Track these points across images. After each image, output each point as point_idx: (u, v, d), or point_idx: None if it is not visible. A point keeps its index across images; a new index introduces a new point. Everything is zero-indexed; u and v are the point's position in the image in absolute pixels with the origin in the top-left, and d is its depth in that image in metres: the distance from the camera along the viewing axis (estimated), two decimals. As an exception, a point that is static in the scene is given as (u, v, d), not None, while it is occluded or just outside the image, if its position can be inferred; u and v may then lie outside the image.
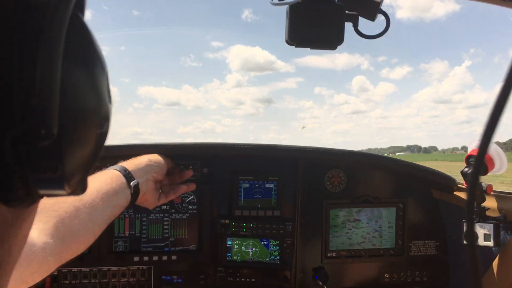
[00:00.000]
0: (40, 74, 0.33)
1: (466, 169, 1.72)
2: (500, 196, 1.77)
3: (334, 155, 1.99)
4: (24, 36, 0.33)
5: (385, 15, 1.12)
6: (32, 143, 0.34)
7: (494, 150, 1.68)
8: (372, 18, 1.12)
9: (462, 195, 1.93)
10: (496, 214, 1.72)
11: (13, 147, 0.34)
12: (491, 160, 1.67)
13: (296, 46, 1.11)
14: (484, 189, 1.73)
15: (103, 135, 0.41)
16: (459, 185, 1.96)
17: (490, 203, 1.75)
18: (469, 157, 1.73)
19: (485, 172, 1.69)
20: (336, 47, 1.12)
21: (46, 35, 0.34)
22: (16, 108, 0.33)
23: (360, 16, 1.13)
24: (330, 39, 1.11)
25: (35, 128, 0.33)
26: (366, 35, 1.13)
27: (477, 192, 1.73)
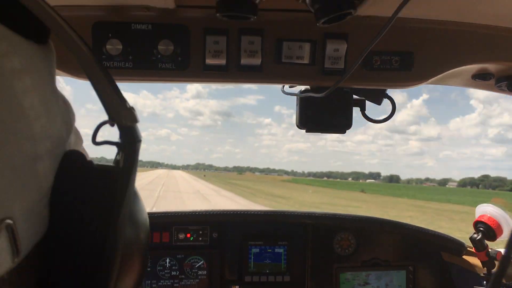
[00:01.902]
0: (109, 246, 0.38)
1: (475, 235, 1.73)
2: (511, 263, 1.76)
3: (342, 220, 2.00)
4: (102, 213, 0.39)
5: (391, 100, 1.18)
6: None
7: (501, 216, 1.69)
8: (378, 102, 1.18)
9: (471, 259, 1.93)
10: (509, 280, 1.71)
11: None
12: (499, 227, 1.68)
13: (306, 132, 1.16)
14: (494, 255, 1.73)
15: None
16: (468, 249, 1.95)
17: None
18: (477, 223, 1.74)
19: (493, 238, 1.70)
20: (346, 131, 1.17)
21: (119, 214, 0.39)
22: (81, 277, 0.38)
23: (367, 100, 1.19)
24: (339, 124, 1.16)
25: None
26: (374, 120, 1.19)
27: (486, 258, 1.73)
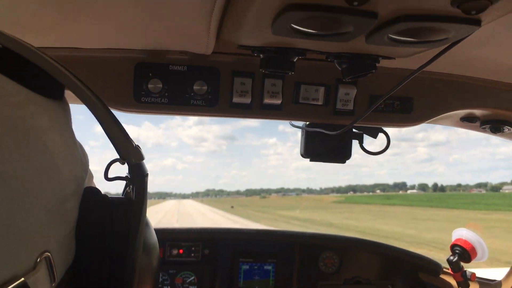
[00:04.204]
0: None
1: (451, 257, 1.86)
2: (483, 283, 1.90)
3: (326, 240, 2.11)
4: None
5: (386, 134, 1.29)
6: None
7: (476, 240, 1.83)
8: (374, 136, 1.29)
9: (448, 278, 2.06)
10: None
11: None
12: (473, 249, 1.82)
13: (310, 160, 1.27)
14: (468, 276, 1.86)
15: None
16: (444, 269, 2.09)
17: None
18: (453, 246, 1.88)
19: (468, 260, 1.84)
20: (345, 161, 1.27)
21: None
22: None
23: (365, 134, 1.30)
24: (339, 155, 1.27)
25: None
26: (370, 152, 1.30)
27: (461, 279, 1.87)
